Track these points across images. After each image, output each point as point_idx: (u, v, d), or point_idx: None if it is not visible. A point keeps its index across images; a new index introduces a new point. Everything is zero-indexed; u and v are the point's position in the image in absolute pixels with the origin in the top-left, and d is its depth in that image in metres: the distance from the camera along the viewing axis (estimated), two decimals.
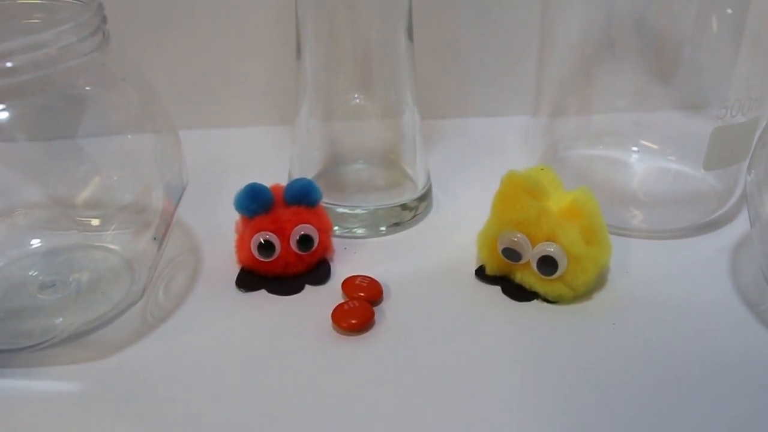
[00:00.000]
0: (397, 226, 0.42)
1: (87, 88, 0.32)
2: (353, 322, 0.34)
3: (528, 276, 0.36)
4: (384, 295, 0.36)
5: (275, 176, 0.40)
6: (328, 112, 0.42)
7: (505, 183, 0.36)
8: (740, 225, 0.42)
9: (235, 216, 0.38)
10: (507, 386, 0.31)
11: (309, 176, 0.43)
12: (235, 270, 0.38)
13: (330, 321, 0.35)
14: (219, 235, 0.40)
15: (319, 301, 0.36)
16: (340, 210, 0.42)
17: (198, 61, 0.52)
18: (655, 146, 0.46)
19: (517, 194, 0.36)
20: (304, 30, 0.39)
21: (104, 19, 0.31)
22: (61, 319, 0.34)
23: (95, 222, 0.36)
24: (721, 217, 0.42)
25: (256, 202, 0.37)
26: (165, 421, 0.30)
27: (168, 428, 0.29)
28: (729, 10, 0.37)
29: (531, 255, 0.35)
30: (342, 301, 0.36)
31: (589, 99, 0.45)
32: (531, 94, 0.46)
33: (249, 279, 0.38)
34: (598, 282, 0.37)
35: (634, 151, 0.46)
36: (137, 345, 0.34)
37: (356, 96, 0.41)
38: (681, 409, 0.30)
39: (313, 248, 0.37)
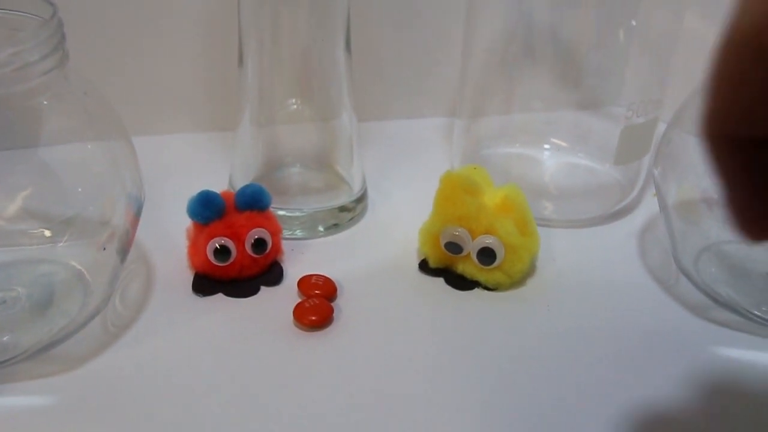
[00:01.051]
0: (335, 227, 0.45)
1: (45, 102, 0.32)
2: (313, 318, 0.36)
3: (469, 266, 0.39)
4: (338, 292, 0.39)
5: (211, 182, 0.41)
6: (269, 118, 0.43)
7: (444, 182, 0.39)
8: (643, 213, 0.47)
9: (181, 223, 0.40)
10: (455, 367, 0.34)
11: (249, 181, 0.44)
12: (188, 276, 0.39)
13: (290, 318, 0.36)
14: (167, 243, 0.41)
15: (276, 300, 0.38)
16: (280, 213, 0.44)
17: (128, 69, 0.52)
18: (565, 144, 0.51)
19: (456, 192, 0.39)
20: (247, 39, 0.40)
21: (63, 37, 0.31)
22: (7, 337, 0.34)
23: (48, 233, 0.36)
24: (626, 206, 0.47)
25: (209, 209, 0.38)
26: (141, 426, 0.31)
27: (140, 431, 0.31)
28: (633, 22, 0.42)
29: (471, 247, 0.39)
30: (296, 299, 0.38)
31: (506, 101, 0.49)
32: (447, 96, 0.49)
33: (205, 284, 0.39)
34: (530, 269, 0.41)
35: (546, 149, 0.51)
36: (104, 355, 0.34)
37: (295, 102, 0.43)
38: (610, 378, 0.34)
39: (267, 251, 0.39)
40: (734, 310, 0.38)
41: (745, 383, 0.34)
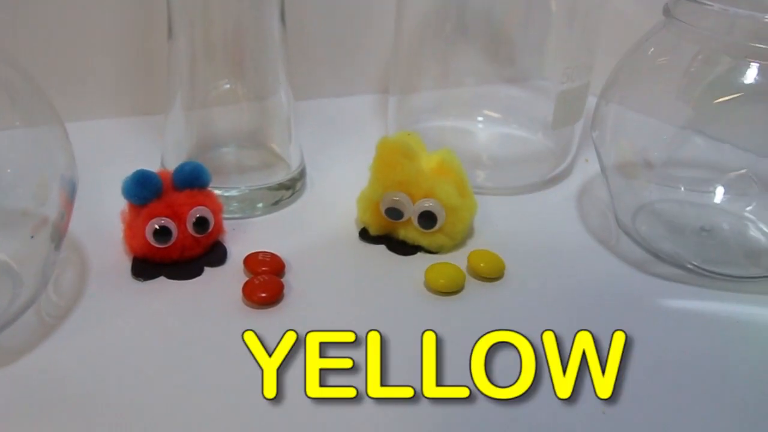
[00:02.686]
0: (276, 205, 0.43)
1: None
2: (263, 295, 0.35)
3: (410, 232, 0.39)
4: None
5: (141, 167, 0.38)
6: (201, 98, 0.42)
7: (381, 148, 0.39)
8: (578, 179, 0.48)
9: (113, 208, 0.38)
10: (409, 325, 0.34)
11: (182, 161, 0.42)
12: (126, 260, 0.38)
13: (238, 297, 0.35)
14: (99, 229, 0.39)
15: (222, 280, 0.37)
16: (218, 192, 0.42)
17: (49, 53, 0.49)
18: (497, 115, 0.51)
19: (395, 157, 0.38)
20: (177, 10, 0.39)
21: None
22: None
23: None
24: (560, 173, 0.48)
25: (146, 189, 0.36)
26: (85, 417, 0.29)
27: (89, 424, 0.29)
28: None
29: (412, 212, 0.38)
30: (243, 278, 0.37)
31: (440, 77, 0.49)
32: (380, 73, 0.49)
33: (145, 267, 0.37)
34: (469, 232, 0.41)
35: (480, 121, 0.51)
36: (42, 346, 0.32)
37: (229, 80, 0.42)
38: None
39: (209, 230, 0.37)
40: (674, 263, 0.39)
41: (690, 332, 0.35)
